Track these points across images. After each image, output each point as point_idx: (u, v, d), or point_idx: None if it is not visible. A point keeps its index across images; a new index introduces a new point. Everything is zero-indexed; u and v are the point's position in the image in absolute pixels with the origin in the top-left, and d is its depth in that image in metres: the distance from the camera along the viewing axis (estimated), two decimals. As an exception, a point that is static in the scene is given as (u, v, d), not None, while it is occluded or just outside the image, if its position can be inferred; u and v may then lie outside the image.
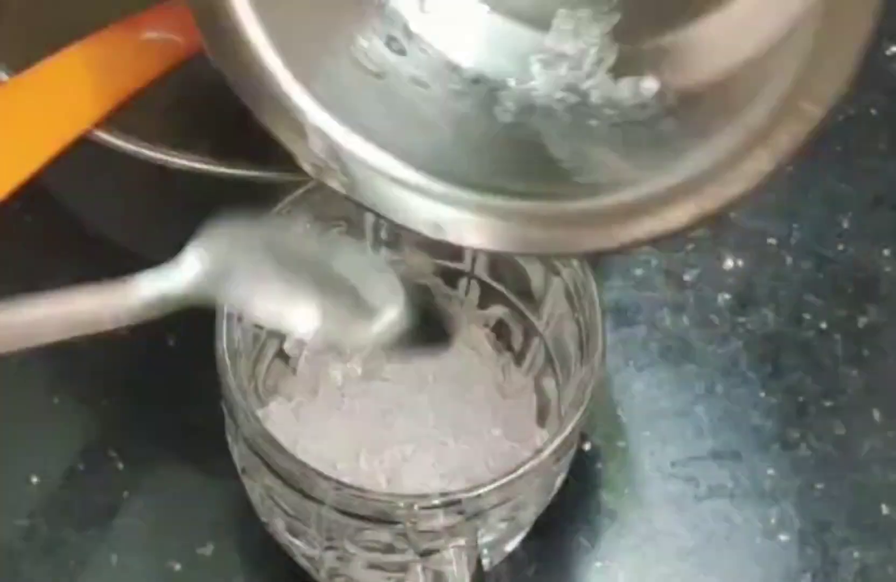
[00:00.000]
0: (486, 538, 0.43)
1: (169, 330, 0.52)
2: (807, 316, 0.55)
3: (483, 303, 0.49)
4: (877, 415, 0.53)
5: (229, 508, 0.50)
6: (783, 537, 0.51)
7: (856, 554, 0.50)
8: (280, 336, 0.48)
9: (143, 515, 0.49)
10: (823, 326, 0.55)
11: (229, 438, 0.45)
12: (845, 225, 0.58)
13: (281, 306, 0.42)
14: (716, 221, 0.50)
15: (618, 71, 0.44)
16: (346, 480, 0.42)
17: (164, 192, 0.50)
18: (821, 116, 0.41)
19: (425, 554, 0.41)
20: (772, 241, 0.57)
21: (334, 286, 0.43)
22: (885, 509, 0.51)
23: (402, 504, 0.41)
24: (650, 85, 0.44)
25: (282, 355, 0.48)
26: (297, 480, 0.42)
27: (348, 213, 0.46)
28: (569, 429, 0.42)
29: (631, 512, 0.51)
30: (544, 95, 0.44)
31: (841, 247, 0.57)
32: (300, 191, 0.45)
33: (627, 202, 0.40)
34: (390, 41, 0.45)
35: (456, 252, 0.48)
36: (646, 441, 0.52)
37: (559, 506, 0.49)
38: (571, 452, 0.45)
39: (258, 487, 0.44)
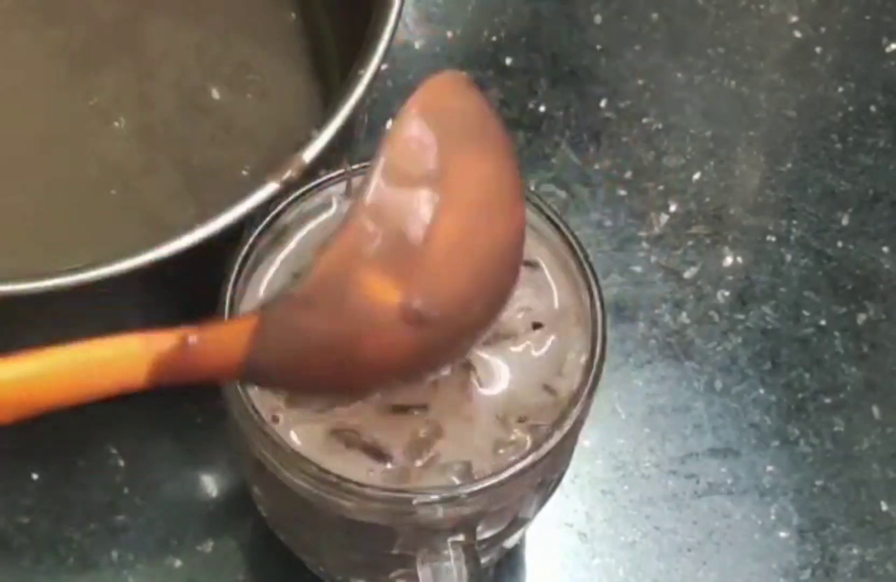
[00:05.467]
0: (485, 534, 0.43)
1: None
2: (806, 313, 0.55)
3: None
4: (876, 411, 0.53)
5: (229, 504, 0.50)
6: (782, 534, 0.51)
7: (855, 550, 0.50)
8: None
9: (143, 512, 0.49)
10: (822, 322, 0.55)
11: (229, 435, 0.45)
12: (844, 222, 0.58)
13: None
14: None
15: None
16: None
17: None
18: None
19: (425, 550, 0.42)
20: (771, 238, 0.57)
21: None
22: (884, 506, 0.51)
23: (401, 499, 0.41)
24: None
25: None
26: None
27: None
28: (568, 426, 0.42)
29: (630, 508, 0.51)
30: None
31: (840, 244, 0.57)
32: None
33: None
34: None
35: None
36: (645, 438, 0.52)
37: (558, 503, 0.49)
38: (571, 450, 0.45)
39: (258, 482, 0.44)
